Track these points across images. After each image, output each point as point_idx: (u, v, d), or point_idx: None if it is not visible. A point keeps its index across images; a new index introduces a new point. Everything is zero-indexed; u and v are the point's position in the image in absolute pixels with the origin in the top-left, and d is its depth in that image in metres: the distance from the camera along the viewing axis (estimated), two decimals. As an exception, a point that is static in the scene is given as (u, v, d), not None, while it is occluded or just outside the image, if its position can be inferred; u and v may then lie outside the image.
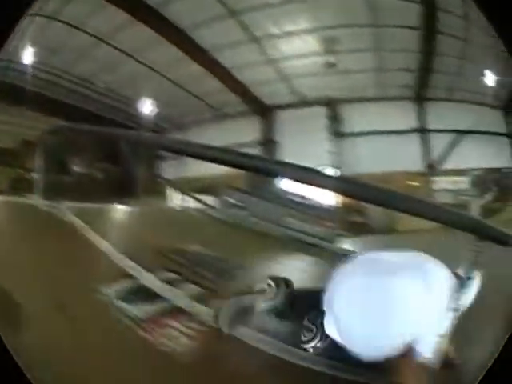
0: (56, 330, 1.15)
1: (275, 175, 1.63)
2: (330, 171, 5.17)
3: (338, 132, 5.43)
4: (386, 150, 5.52)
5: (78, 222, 2.31)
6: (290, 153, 5.29)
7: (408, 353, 1.18)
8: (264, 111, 5.72)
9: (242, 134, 5.59)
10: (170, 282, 1.57)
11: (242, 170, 1.46)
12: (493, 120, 7.67)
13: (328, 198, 5.09)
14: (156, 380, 1.08)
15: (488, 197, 7.27)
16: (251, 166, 1.40)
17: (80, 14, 6.35)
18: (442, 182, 6.01)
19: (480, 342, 1.49)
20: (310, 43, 5.64)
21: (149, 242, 2.49)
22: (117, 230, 3.07)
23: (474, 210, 6.65)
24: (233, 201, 4.94)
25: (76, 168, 6.50)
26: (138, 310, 1.31)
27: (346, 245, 4.66)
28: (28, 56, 7.09)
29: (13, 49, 7.22)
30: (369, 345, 1.23)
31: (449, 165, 6.16)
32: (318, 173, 1.38)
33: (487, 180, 7.16)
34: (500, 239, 1.18)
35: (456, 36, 6.79)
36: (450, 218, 1.23)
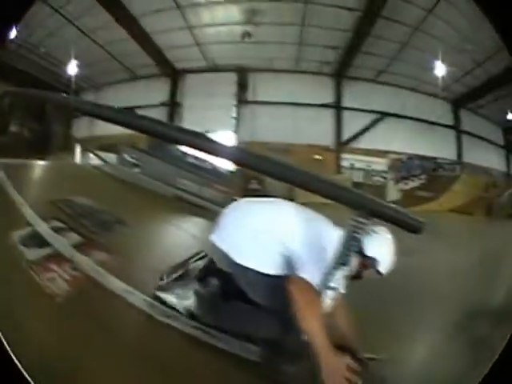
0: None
1: (171, 140, 1.62)
2: (230, 137, 5.36)
3: (244, 99, 5.57)
4: (294, 122, 5.62)
5: (1, 177, 2.41)
6: (194, 116, 5.48)
7: (293, 279, 1.33)
8: (174, 74, 5.90)
9: (152, 95, 5.82)
10: (56, 231, 1.78)
11: (138, 132, 1.47)
12: (438, 110, 7.69)
13: (226, 164, 5.28)
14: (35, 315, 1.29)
15: (412, 183, 7.33)
16: (147, 129, 1.44)
17: None
18: (352, 160, 6.10)
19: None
20: (231, 13, 5.75)
21: (47, 193, 2.74)
22: (28, 183, 3.38)
23: (391, 193, 6.74)
24: (130, 159, 5.18)
25: (12, 128, 6.84)
26: (32, 253, 1.53)
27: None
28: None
29: None
30: (244, 253, 1.42)
31: (364, 144, 6.24)
32: (213, 141, 1.36)
33: (412, 166, 7.21)
34: (410, 225, 1.15)
35: (403, 23, 6.79)
36: (345, 197, 1.20)
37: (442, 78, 7.28)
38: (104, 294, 1.44)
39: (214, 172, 5.20)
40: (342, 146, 5.99)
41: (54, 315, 1.31)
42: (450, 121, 7.78)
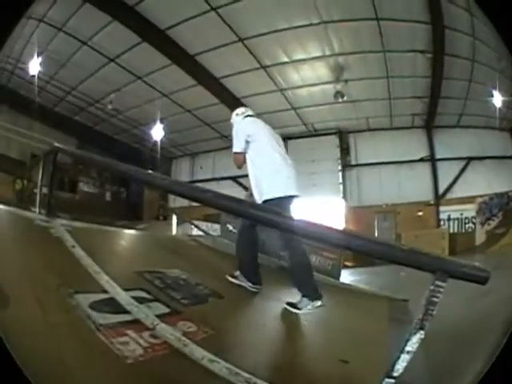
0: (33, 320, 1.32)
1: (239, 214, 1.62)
2: (340, 203, 5.19)
3: (347, 163, 5.43)
4: (396, 180, 5.50)
5: (68, 238, 2.28)
6: (301, 184, 5.24)
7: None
8: None
9: None
10: (140, 301, 1.72)
11: (207, 206, 1.46)
12: (500, 143, 7.61)
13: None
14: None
15: (493, 223, 7.27)
16: (214, 204, 1.43)
17: (88, 28, 6.34)
18: (448, 212, 6.00)
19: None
20: (319, 70, 5.61)
21: (132, 263, 2.63)
22: (108, 250, 3.19)
23: (479, 238, 6.65)
24: (234, 229, 4.98)
25: (84, 187, 6.57)
26: (103, 317, 1.46)
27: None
28: (35, 65, 7.10)
29: (17, 53, 7.29)
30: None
31: (456, 193, 6.15)
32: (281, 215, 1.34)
33: (493, 205, 7.16)
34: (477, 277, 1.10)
35: (463, 57, 6.70)
36: (421, 261, 1.17)
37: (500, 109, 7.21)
38: (183, 361, 1.37)
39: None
40: (439, 199, 5.89)
41: (122, 376, 1.25)
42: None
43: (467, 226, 6.30)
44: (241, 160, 2.18)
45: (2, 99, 8.09)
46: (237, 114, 2.39)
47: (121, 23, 6.07)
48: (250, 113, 2.38)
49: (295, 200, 2.16)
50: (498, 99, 7.10)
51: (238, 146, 2.15)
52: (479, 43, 6.44)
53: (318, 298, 2.06)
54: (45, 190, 4.14)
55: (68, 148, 4.33)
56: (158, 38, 5.91)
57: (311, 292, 2.08)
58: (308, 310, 2.05)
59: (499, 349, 1.06)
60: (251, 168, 2.16)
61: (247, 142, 2.16)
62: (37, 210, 3.77)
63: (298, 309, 2.05)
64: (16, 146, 7.61)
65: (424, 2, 5.48)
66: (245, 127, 2.23)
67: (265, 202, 2.08)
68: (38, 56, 7.10)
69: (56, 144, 3.27)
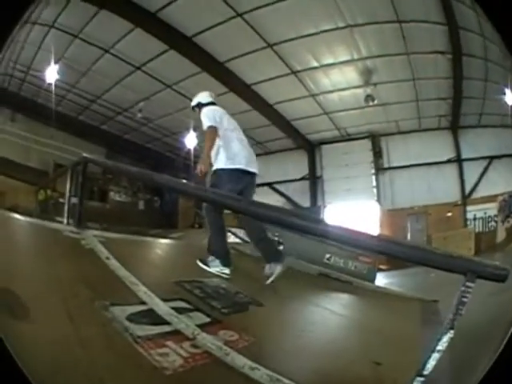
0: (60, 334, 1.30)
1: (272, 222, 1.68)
2: (374, 206, 5.31)
3: (380, 166, 5.54)
4: (426, 182, 5.64)
5: (101, 249, 2.26)
6: (335, 188, 5.41)
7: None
8: (309, 147, 5.79)
9: (289, 169, 5.70)
10: (180, 311, 1.71)
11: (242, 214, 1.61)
12: None
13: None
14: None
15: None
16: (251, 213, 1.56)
17: (109, 35, 6.24)
18: (474, 211, 6.18)
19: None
20: (348, 75, 5.68)
21: (169, 273, 2.57)
22: (142, 259, 3.21)
23: (500, 235, 6.86)
24: (273, 236, 5.04)
25: (115, 196, 6.54)
26: (141, 329, 1.43)
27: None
28: (52, 73, 6.95)
29: (28, 59, 7.12)
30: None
31: (480, 193, 6.33)
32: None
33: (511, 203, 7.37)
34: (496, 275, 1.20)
35: (478, 56, 6.83)
36: (450, 263, 1.26)
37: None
38: (224, 370, 1.40)
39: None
40: (466, 199, 6.06)
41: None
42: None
43: (490, 224, 6.49)
44: (215, 134, 2.54)
45: (16, 107, 7.93)
46: (202, 99, 2.81)
47: (144, 30, 5.99)
48: (213, 100, 2.83)
49: (250, 177, 2.60)
50: (510, 97, 7.28)
51: (211, 122, 2.57)
52: (489, 42, 6.57)
53: (228, 265, 2.57)
54: (73, 200, 4.11)
55: (98, 158, 4.31)
56: (184, 45, 5.86)
57: (222, 256, 2.56)
58: (215, 271, 2.53)
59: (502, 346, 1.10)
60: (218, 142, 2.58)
61: (217, 122, 2.58)
62: (65, 220, 3.75)
63: (208, 266, 2.55)
64: (36, 155, 7.50)
65: (437, 1, 5.56)
66: (214, 110, 2.67)
67: (220, 170, 2.57)
68: (54, 63, 6.96)
69: (85, 154, 3.24)
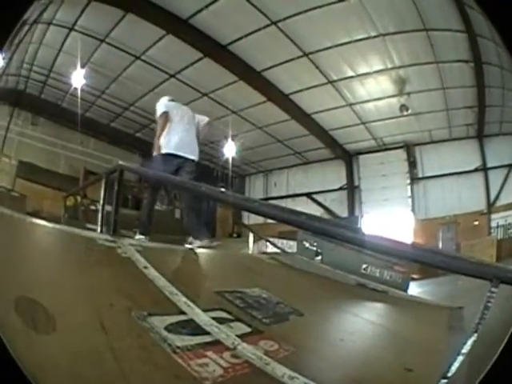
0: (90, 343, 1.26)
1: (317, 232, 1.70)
2: (409, 216, 5.48)
3: (415, 176, 5.69)
4: (457, 191, 5.80)
5: (139, 259, 2.22)
6: (373, 198, 5.56)
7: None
8: (346, 157, 5.90)
9: (327, 180, 5.81)
10: (220, 321, 1.71)
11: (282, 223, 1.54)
12: None
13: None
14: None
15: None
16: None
17: (139, 41, 6.15)
18: (497, 219, 6.40)
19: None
20: (383, 84, 5.77)
21: (209, 283, 2.57)
22: (181, 269, 3.23)
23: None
24: (311, 246, 5.10)
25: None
26: (180, 339, 1.43)
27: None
28: (78, 77, 6.81)
29: (47, 62, 6.97)
30: None
31: (503, 200, 6.54)
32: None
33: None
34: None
35: (494, 64, 6.98)
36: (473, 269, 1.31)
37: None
38: (264, 379, 1.40)
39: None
40: (491, 207, 6.28)
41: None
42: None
43: (509, 231, 6.74)
44: (166, 119, 2.90)
45: (37, 111, 7.76)
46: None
47: (177, 37, 5.94)
48: (173, 98, 3.18)
49: (187, 162, 2.89)
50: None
51: (162, 109, 2.94)
52: (500, 49, 6.72)
53: (144, 234, 2.93)
54: (107, 208, 4.13)
55: (135, 166, 4.30)
56: (219, 53, 5.85)
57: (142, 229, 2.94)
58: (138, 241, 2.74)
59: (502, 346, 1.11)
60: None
61: (166, 111, 2.93)
62: (98, 228, 3.79)
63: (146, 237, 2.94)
64: (63, 160, 7.41)
65: (454, 9, 5.65)
66: (164, 103, 3.03)
67: (163, 155, 2.86)
68: (81, 68, 6.83)
69: (121, 162, 3.27)
